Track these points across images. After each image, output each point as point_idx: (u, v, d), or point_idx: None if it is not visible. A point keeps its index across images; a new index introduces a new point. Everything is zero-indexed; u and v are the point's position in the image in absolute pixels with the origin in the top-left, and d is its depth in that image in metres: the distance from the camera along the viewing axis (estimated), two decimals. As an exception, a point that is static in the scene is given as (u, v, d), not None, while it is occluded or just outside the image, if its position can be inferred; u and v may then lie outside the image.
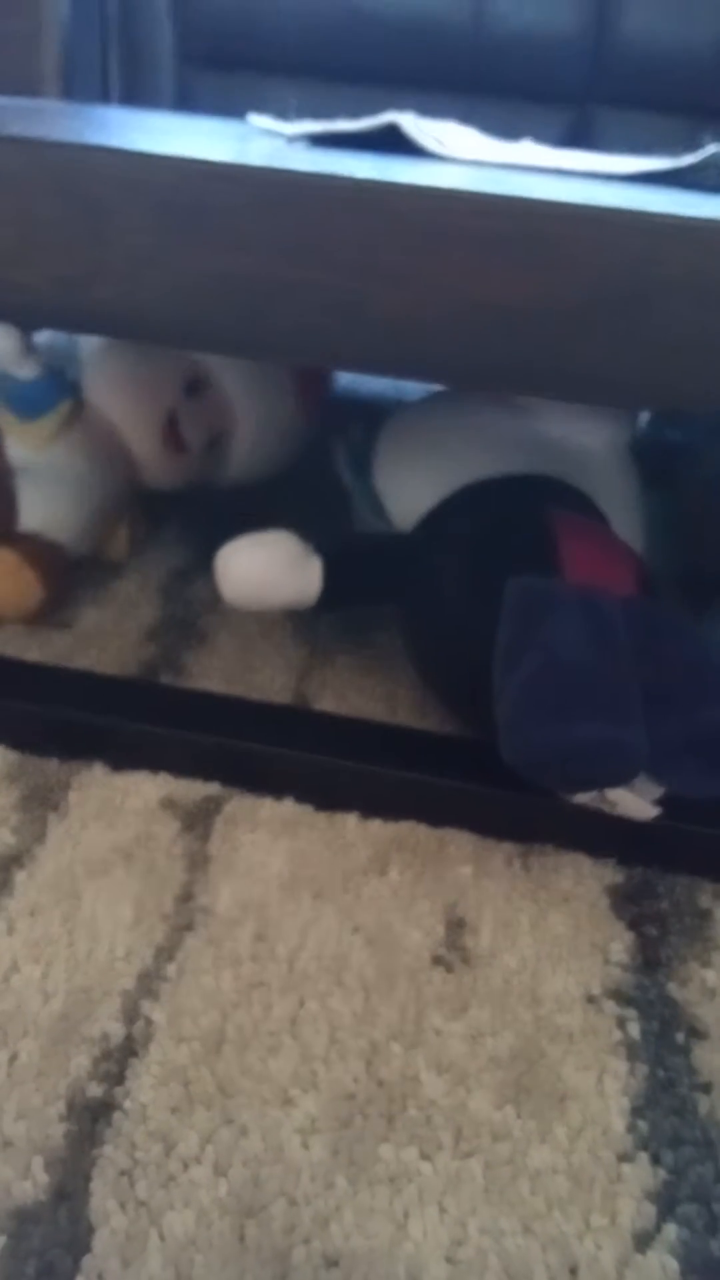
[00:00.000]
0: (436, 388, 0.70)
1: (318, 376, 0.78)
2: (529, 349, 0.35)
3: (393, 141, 0.50)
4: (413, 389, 1.20)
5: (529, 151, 0.56)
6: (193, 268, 0.36)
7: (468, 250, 0.34)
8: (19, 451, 0.61)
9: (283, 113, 0.61)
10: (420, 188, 0.34)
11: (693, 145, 0.54)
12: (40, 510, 0.61)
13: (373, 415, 0.69)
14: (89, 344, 0.68)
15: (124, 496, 0.67)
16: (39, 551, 0.60)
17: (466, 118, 0.61)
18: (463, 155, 0.51)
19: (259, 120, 0.65)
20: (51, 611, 0.63)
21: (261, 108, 0.64)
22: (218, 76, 1.36)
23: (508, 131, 0.62)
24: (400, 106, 0.53)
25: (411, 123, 0.51)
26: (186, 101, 1.38)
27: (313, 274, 0.35)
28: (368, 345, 0.36)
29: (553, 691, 0.42)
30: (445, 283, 0.34)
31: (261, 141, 0.53)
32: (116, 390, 0.66)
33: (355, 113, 0.52)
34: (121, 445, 0.66)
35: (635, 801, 0.44)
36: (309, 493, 0.75)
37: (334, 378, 0.77)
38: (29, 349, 0.62)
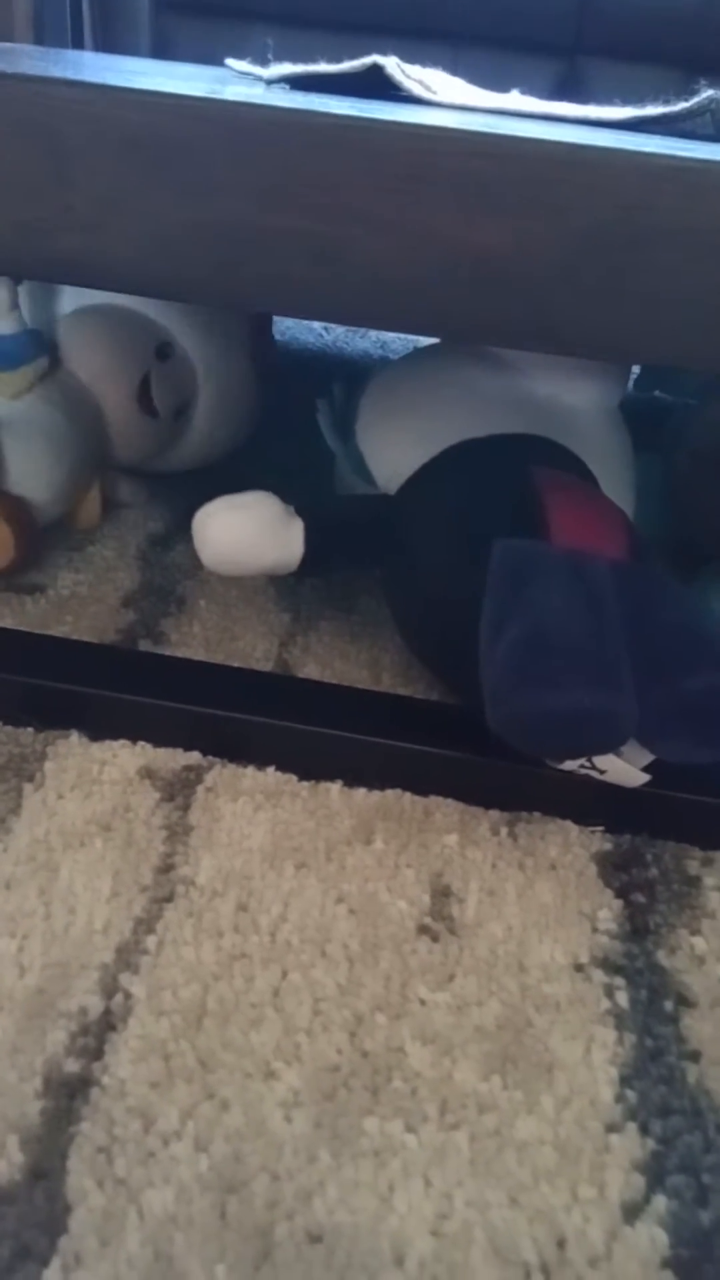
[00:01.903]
0: (420, 344, 0.69)
1: (266, 336, 0.77)
2: (514, 299, 0.34)
3: (376, 86, 0.48)
4: (397, 348, 1.17)
5: (517, 100, 0.54)
6: (163, 213, 0.34)
7: (452, 194, 0.32)
8: None
9: (262, 58, 0.59)
10: (402, 126, 0.32)
11: (686, 94, 0.52)
12: (19, 466, 0.60)
13: (356, 374, 0.68)
14: (64, 309, 0.67)
15: (97, 462, 0.66)
16: (15, 509, 0.59)
17: (451, 69, 0.59)
18: (448, 100, 0.49)
19: (237, 64, 0.62)
20: (21, 574, 0.61)
21: (242, 56, 0.62)
22: (197, 24, 1.32)
23: (495, 83, 0.60)
24: (384, 54, 0.51)
25: (395, 66, 0.49)
26: (164, 51, 1.34)
27: (289, 220, 0.33)
28: (346, 295, 0.34)
29: (540, 657, 0.41)
30: (428, 229, 0.33)
31: (238, 84, 0.50)
32: (92, 353, 0.65)
33: (338, 61, 0.50)
34: (96, 408, 0.65)
35: (624, 768, 0.43)
36: (290, 454, 0.73)
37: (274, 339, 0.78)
38: (14, 305, 0.61)
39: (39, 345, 0.63)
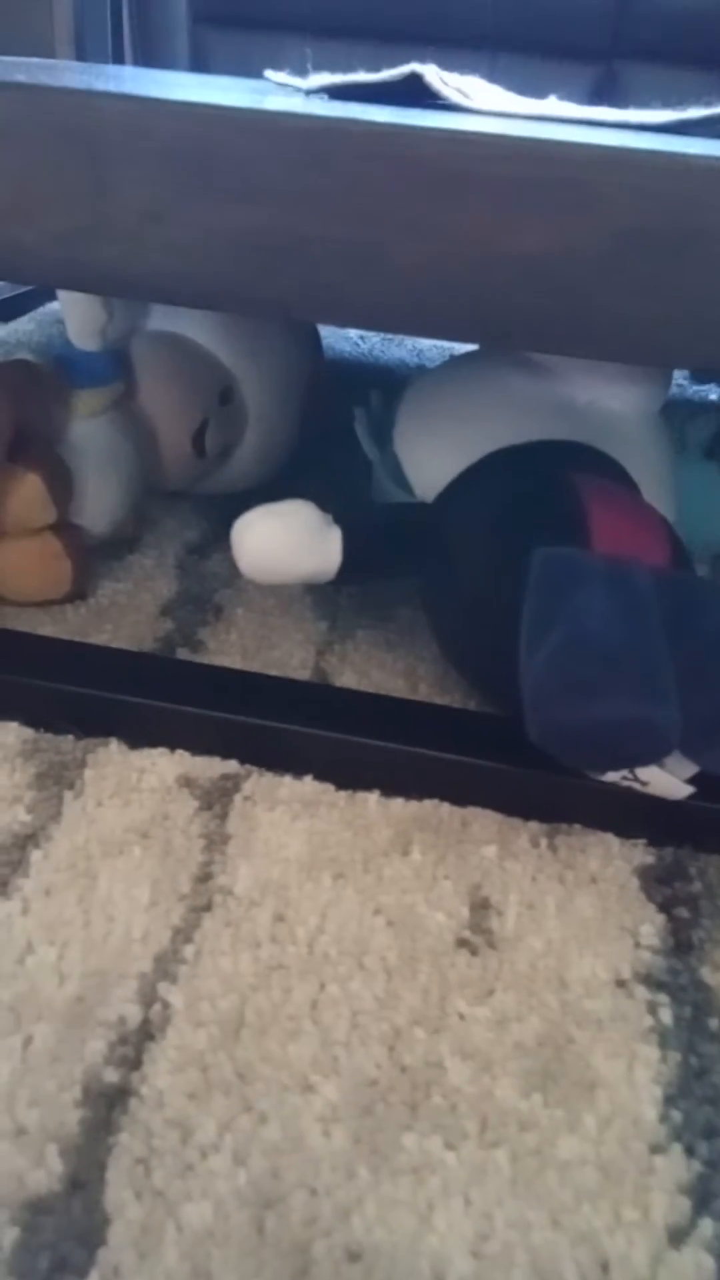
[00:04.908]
0: (457, 351, 0.68)
1: (321, 393, 0.78)
2: (555, 302, 0.33)
3: (414, 95, 0.48)
4: (433, 356, 1.17)
5: (555, 106, 0.54)
6: (201, 222, 0.34)
7: (491, 198, 0.32)
8: (72, 424, 0.60)
9: (300, 69, 0.59)
10: (442, 131, 0.32)
11: (727, 95, 0.52)
12: (91, 495, 0.60)
13: (393, 383, 0.67)
14: (139, 334, 0.68)
15: (149, 489, 0.66)
16: (76, 542, 0.59)
17: (488, 76, 0.59)
18: (487, 107, 0.49)
19: (275, 76, 0.62)
20: (70, 601, 0.62)
21: (279, 68, 0.62)
22: (234, 37, 1.33)
23: (532, 89, 0.59)
24: (422, 63, 0.51)
25: (434, 74, 0.49)
26: (202, 64, 1.35)
27: (327, 226, 0.33)
28: (385, 300, 0.34)
29: (581, 667, 0.41)
30: (467, 233, 0.32)
31: (277, 95, 0.50)
32: (166, 387, 0.65)
33: (376, 71, 0.50)
34: (154, 439, 0.65)
35: (667, 780, 0.42)
36: (328, 462, 0.73)
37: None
38: (104, 324, 0.61)
39: (120, 368, 0.63)
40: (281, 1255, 0.31)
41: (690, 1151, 0.35)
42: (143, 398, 0.64)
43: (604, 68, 1.29)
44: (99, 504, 0.60)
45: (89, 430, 0.60)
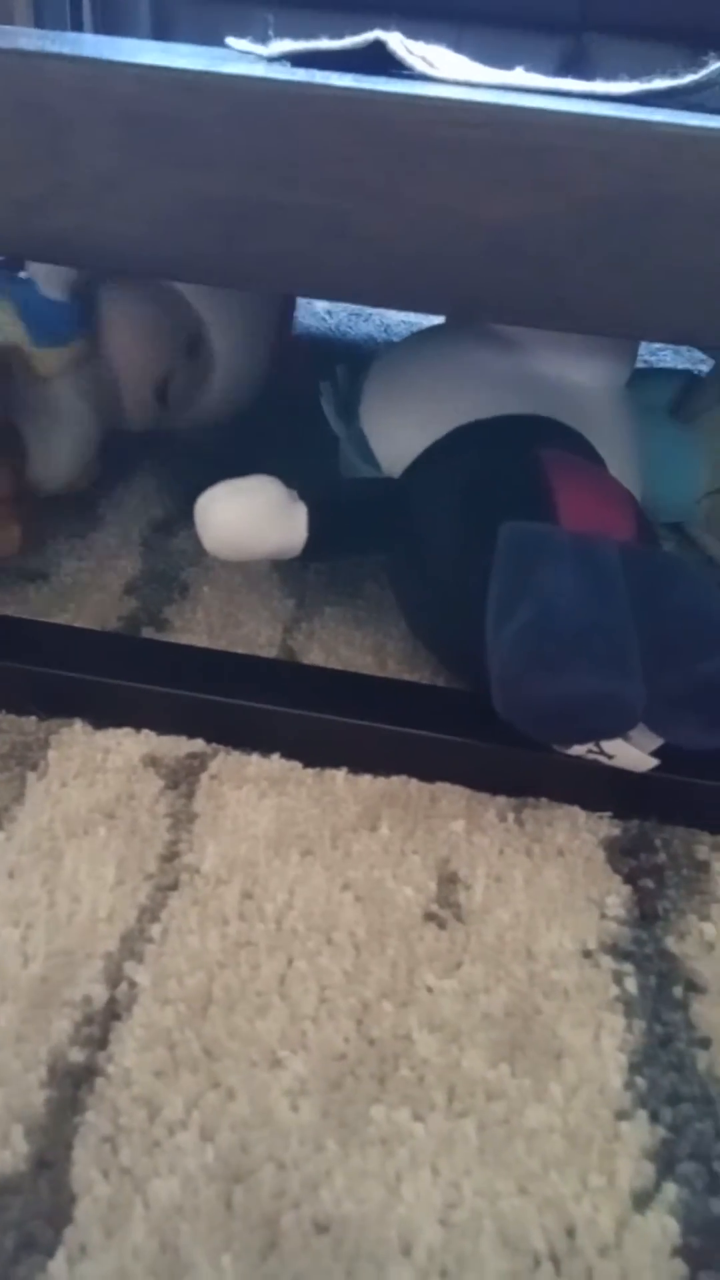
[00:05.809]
0: (424, 325, 0.68)
1: (299, 351, 0.77)
2: (524, 273, 0.33)
3: (378, 63, 0.47)
4: (400, 332, 1.16)
5: (522, 77, 0.53)
6: (161, 189, 0.33)
7: (458, 166, 0.32)
8: (27, 385, 0.59)
9: (263, 37, 0.58)
10: (407, 96, 0.31)
11: (695, 67, 0.51)
12: (40, 460, 0.59)
13: (360, 357, 0.67)
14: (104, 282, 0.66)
15: (103, 439, 0.66)
16: (26, 505, 0.58)
17: (455, 48, 0.58)
18: (453, 76, 0.48)
19: (237, 43, 0.61)
20: (23, 560, 0.61)
21: (242, 38, 0.61)
22: (197, 9, 1.30)
23: (500, 62, 0.59)
24: (387, 31, 0.50)
25: (398, 41, 0.48)
26: (165, 37, 1.32)
27: (291, 194, 0.32)
28: (350, 270, 0.33)
29: (547, 641, 0.41)
30: (434, 201, 0.32)
31: (239, 61, 0.50)
32: (129, 339, 0.64)
33: (340, 39, 0.49)
34: (117, 392, 0.64)
35: (633, 753, 0.43)
36: (294, 438, 0.72)
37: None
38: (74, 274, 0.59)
39: (84, 321, 0.60)
40: (250, 1229, 0.31)
41: (655, 1117, 0.35)
42: (108, 348, 0.63)
43: (573, 40, 1.28)
44: (49, 465, 0.59)
45: (45, 394, 0.59)
